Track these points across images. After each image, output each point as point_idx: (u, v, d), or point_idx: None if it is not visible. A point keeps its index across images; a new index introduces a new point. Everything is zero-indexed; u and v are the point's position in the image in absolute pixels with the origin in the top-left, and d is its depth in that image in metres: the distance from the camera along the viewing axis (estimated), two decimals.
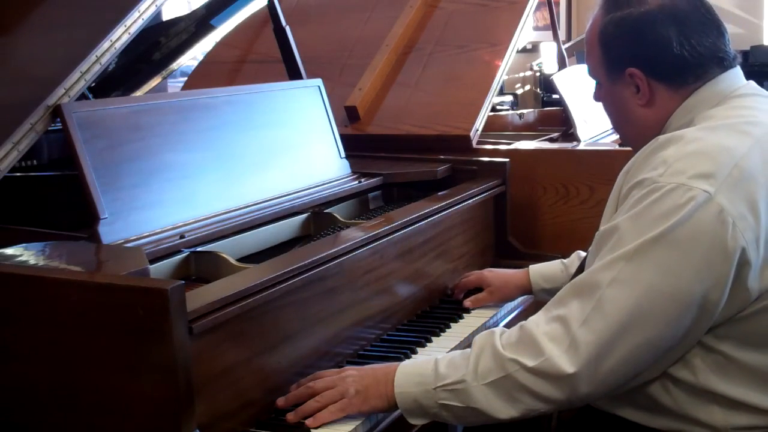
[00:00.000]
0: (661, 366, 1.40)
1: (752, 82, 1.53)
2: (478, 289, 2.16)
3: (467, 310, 2.09)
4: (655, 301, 1.32)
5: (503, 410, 1.40)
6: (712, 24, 1.48)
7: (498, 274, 2.15)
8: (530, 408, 1.40)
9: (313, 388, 1.51)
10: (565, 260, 2.09)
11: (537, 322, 1.42)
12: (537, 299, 2.12)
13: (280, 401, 1.52)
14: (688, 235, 1.30)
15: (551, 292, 1.76)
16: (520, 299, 2.23)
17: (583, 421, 1.60)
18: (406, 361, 1.56)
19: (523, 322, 1.45)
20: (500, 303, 2.13)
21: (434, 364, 1.47)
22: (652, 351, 1.34)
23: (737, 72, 1.51)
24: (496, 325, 2.06)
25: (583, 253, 1.92)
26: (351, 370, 1.54)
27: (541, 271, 2.09)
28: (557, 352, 1.36)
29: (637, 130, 1.55)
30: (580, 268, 1.57)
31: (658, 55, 1.47)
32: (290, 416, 1.47)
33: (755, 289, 1.34)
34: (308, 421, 1.46)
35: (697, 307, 1.32)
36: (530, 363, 1.37)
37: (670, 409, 1.43)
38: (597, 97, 1.62)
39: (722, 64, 1.49)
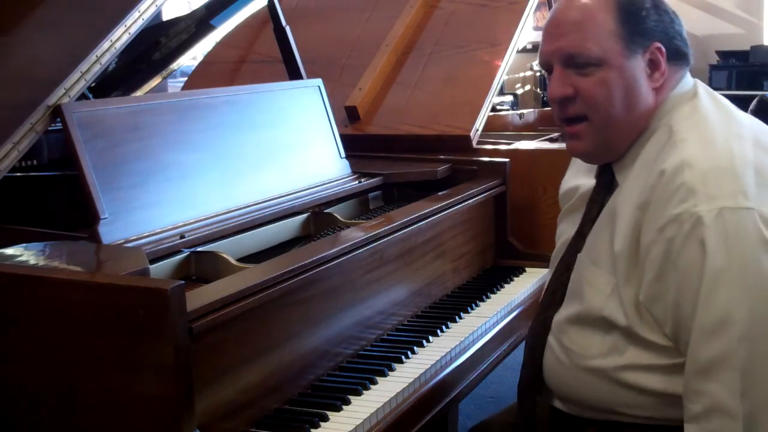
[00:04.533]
0: None
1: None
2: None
3: (467, 310, 2.09)
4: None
5: None
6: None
7: None
8: None
9: None
10: None
11: None
12: None
13: None
14: (752, 256, 1.28)
15: None
16: (522, 297, 2.23)
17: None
18: None
19: None
20: None
21: None
22: None
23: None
24: (496, 325, 2.06)
25: None
26: None
27: None
28: None
29: (631, 122, 1.43)
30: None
31: (675, 34, 1.43)
32: None
33: None
34: None
35: None
36: None
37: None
38: (574, 86, 1.42)
39: (689, 57, 1.47)
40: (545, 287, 1.60)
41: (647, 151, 1.43)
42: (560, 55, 1.43)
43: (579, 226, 1.54)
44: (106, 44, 1.83)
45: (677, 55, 1.45)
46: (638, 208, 1.37)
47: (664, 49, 1.42)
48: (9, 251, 1.53)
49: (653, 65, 1.43)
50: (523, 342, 2.24)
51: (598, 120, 1.43)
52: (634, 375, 1.41)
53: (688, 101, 1.45)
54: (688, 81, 1.48)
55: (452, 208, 2.22)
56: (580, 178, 1.63)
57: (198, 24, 2.71)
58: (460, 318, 2.04)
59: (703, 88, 1.48)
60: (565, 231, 1.61)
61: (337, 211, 2.18)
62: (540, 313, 1.58)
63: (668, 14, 1.44)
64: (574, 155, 1.53)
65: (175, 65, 2.80)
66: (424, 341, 1.87)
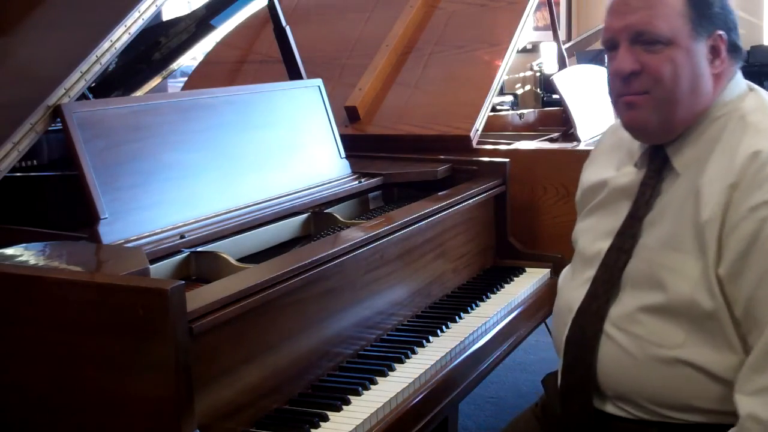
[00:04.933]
0: None
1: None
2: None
3: (467, 310, 2.09)
4: None
5: None
6: None
7: None
8: None
9: None
10: None
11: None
12: None
13: None
14: None
15: None
16: (522, 298, 2.23)
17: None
18: None
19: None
20: None
21: None
22: None
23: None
24: (496, 325, 2.07)
25: None
26: None
27: None
28: None
29: (692, 104, 1.46)
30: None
31: (733, 26, 1.47)
32: None
33: None
34: None
35: None
36: None
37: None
38: (641, 62, 1.45)
39: (743, 52, 1.52)
40: (591, 280, 1.54)
41: (725, 136, 1.46)
42: (629, 32, 1.46)
43: (631, 210, 1.52)
44: (106, 44, 1.83)
45: (734, 48, 1.48)
46: (729, 187, 1.39)
47: (726, 37, 1.46)
48: (9, 251, 1.53)
49: (714, 52, 1.46)
50: (523, 343, 2.24)
51: (660, 94, 1.46)
52: (718, 363, 1.40)
53: (748, 94, 1.49)
54: (741, 77, 1.52)
55: (452, 208, 2.22)
56: (606, 171, 1.63)
57: (198, 24, 2.71)
58: (460, 318, 2.04)
59: (755, 85, 1.53)
60: (599, 224, 1.59)
61: (337, 211, 2.18)
62: (588, 305, 1.52)
63: (728, 6, 1.48)
64: (631, 127, 1.52)
65: (175, 65, 2.80)
66: (424, 341, 1.87)
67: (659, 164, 1.51)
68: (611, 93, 1.52)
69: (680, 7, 1.44)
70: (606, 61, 1.53)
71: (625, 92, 1.48)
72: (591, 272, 1.55)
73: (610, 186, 1.60)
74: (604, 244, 1.54)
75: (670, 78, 1.44)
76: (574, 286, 1.59)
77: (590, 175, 1.69)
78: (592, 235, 1.60)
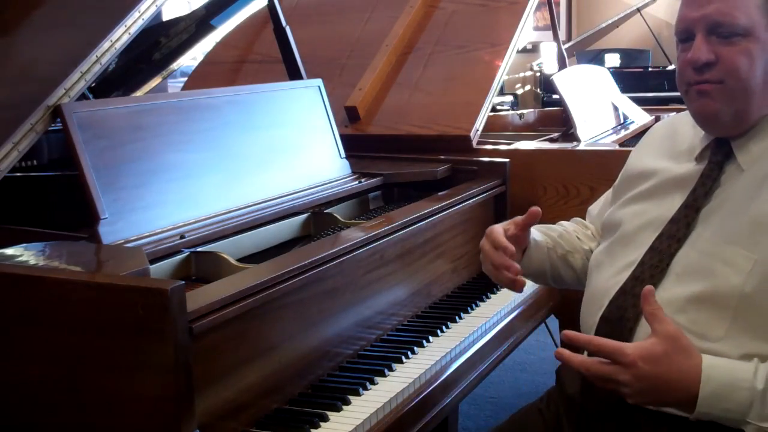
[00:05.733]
0: None
1: None
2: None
3: (467, 310, 2.09)
4: None
5: None
6: None
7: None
8: None
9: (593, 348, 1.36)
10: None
11: None
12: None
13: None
14: None
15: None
16: (522, 298, 2.23)
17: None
18: (712, 380, 1.34)
19: None
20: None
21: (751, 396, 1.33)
22: None
23: None
24: (496, 325, 2.07)
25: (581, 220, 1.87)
26: (640, 370, 1.33)
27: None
28: None
29: (765, 99, 1.47)
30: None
31: None
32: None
33: None
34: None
35: None
36: None
37: None
38: (716, 53, 1.45)
39: None
40: (633, 264, 1.52)
41: None
42: (706, 23, 1.45)
43: (688, 200, 1.52)
44: (106, 44, 1.83)
45: None
46: None
47: None
48: (9, 251, 1.53)
49: None
50: (523, 343, 2.23)
51: (734, 86, 1.45)
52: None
53: None
54: None
55: (452, 208, 2.22)
56: (655, 161, 1.62)
57: (198, 24, 2.71)
58: (460, 318, 2.04)
59: None
60: (646, 211, 1.58)
61: (337, 211, 2.18)
62: (632, 286, 1.50)
63: None
64: (703, 115, 1.51)
65: (175, 65, 2.80)
66: (424, 341, 1.87)
67: (722, 158, 1.51)
68: (681, 83, 1.51)
69: (758, 0, 1.43)
70: (677, 51, 1.51)
71: (696, 81, 1.47)
72: (632, 257, 1.53)
73: (662, 176, 1.59)
74: (651, 231, 1.53)
75: (746, 70, 1.43)
76: (612, 272, 1.57)
77: (637, 162, 1.68)
78: (638, 221, 1.58)
